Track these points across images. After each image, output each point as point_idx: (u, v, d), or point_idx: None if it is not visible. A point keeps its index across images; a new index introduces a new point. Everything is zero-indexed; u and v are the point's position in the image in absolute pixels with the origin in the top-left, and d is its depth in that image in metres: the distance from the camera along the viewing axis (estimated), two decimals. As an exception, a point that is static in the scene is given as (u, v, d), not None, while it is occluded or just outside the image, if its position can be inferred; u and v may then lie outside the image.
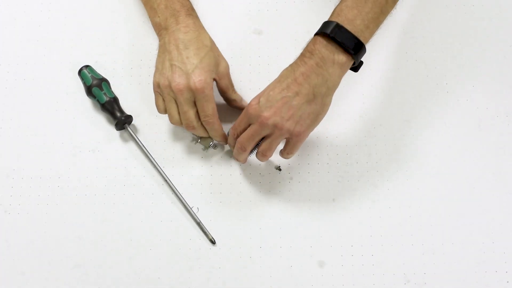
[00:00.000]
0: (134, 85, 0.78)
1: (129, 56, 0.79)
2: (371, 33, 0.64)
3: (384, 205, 0.71)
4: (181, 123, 0.69)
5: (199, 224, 0.70)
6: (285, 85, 0.62)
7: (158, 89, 0.68)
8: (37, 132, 0.76)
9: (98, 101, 0.74)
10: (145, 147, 0.73)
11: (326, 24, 0.63)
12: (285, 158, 0.68)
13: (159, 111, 0.70)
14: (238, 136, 0.67)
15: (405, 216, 0.71)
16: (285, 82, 0.63)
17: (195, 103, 0.67)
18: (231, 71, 0.77)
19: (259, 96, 0.64)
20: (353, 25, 0.62)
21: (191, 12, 0.70)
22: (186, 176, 0.73)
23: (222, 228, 0.71)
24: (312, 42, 0.63)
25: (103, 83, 0.75)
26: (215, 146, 0.74)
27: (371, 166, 0.73)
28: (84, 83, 0.75)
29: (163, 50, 0.68)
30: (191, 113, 0.67)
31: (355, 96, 0.76)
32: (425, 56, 0.78)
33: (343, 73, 0.63)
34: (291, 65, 0.64)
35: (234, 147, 0.69)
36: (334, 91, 0.64)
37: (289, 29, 0.80)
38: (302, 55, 0.63)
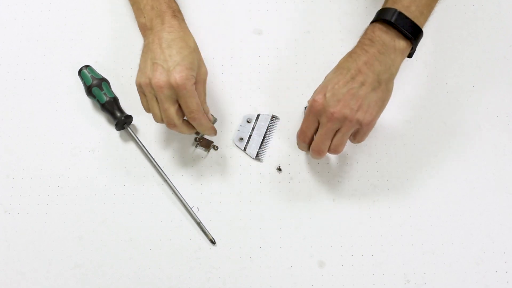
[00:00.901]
0: (134, 85, 0.77)
1: (129, 56, 0.79)
2: (426, 19, 0.65)
3: (384, 205, 0.71)
4: (162, 121, 0.67)
5: (199, 224, 0.70)
6: (349, 77, 0.61)
7: (140, 88, 0.67)
8: (37, 132, 0.76)
9: (98, 101, 0.74)
10: (145, 147, 0.73)
11: (384, 11, 0.63)
12: (336, 152, 0.66)
13: (145, 110, 0.68)
14: (309, 139, 0.65)
15: (405, 216, 0.71)
16: (348, 73, 0.61)
17: (177, 101, 0.65)
18: (231, 71, 0.78)
19: (322, 91, 0.62)
20: (409, 12, 0.62)
21: (177, 14, 0.70)
22: (186, 176, 0.73)
23: (222, 228, 0.71)
24: (370, 29, 0.63)
25: (103, 83, 0.75)
26: (216, 148, 0.74)
27: (371, 166, 0.73)
28: (84, 83, 0.75)
29: (146, 49, 0.67)
30: (172, 111, 0.65)
31: (355, 96, 0.76)
32: (425, 56, 0.78)
33: (403, 58, 0.64)
34: (350, 55, 0.63)
35: (305, 148, 0.68)
36: (395, 76, 0.64)
37: (289, 29, 0.80)
38: (361, 43, 0.63)
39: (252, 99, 0.77)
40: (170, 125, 0.66)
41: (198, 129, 0.68)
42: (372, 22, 0.65)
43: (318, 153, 0.64)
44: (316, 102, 0.62)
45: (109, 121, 0.76)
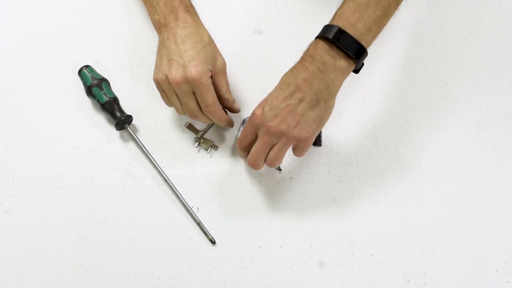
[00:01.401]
0: (134, 85, 0.78)
1: (129, 56, 0.79)
2: (373, 37, 0.63)
3: (384, 205, 0.71)
4: (184, 113, 0.69)
5: (199, 224, 0.71)
6: (287, 93, 0.61)
7: (158, 84, 0.68)
8: (37, 132, 0.76)
9: (98, 101, 0.74)
10: (145, 147, 0.73)
11: (327, 28, 0.61)
12: (272, 165, 0.66)
13: (166, 104, 0.71)
14: (245, 148, 0.66)
15: (405, 216, 0.71)
16: (287, 89, 0.61)
17: (194, 94, 0.67)
18: (231, 71, 0.77)
19: (262, 105, 0.62)
20: (355, 29, 0.60)
21: (190, 8, 0.71)
22: (186, 176, 0.73)
23: (222, 228, 0.71)
24: (313, 46, 0.62)
25: (103, 83, 0.75)
26: (216, 148, 0.74)
27: (371, 166, 0.73)
28: (84, 83, 0.75)
29: (161, 46, 0.68)
30: (192, 104, 0.67)
31: (355, 96, 0.76)
32: (425, 56, 0.78)
33: (344, 77, 0.63)
34: (291, 71, 0.63)
35: (244, 156, 0.69)
36: (336, 94, 0.63)
37: (289, 29, 0.80)
38: (303, 59, 0.62)
39: (252, 99, 0.77)
40: (193, 116, 0.68)
41: (214, 121, 0.70)
42: (317, 37, 0.62)
43: (253, 165, 0.65)
44: (255, 115, 0.63)
45: (109, 121, 0.76)
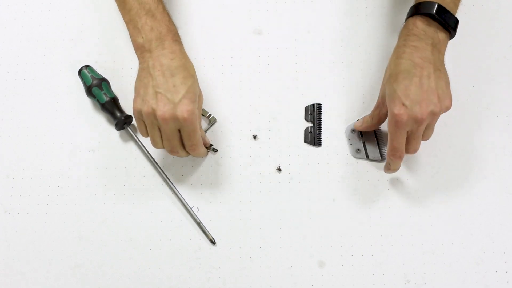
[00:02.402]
0: (134, 85, 0.78)
1: (129, 56, 0.79)
2: (457, 7, 0.68)
3: (384, 205, 0.71)
4: (163, 147, 0.67)
5: (199, 224, 0.71)
6: (417, 79, 0.63)
7: (139, 115, 0.65)
8: (37, 132, 0.76)
9: (98, 101, 0.74)
10: (145, 147, 0.73)
11: (422, 4, 0.65)
12: (428, 139, 0.68)
13: (142, 135, 0.67)
14: (402, 154, 0.66)
15: (405, 216, 0.71)
16: (413, 76, 0.63)
17: (179, 131, 0.65)
18: (231, 71, 0.78)
19: (399, 103, 0.62)
20: (445, 3, 0.65)
21: (177, 37, 0.68)
22: (186, 176, 0.73)
23: (222, 228, 0.71)
24: (411, 24, 0.66)
25: (103, 83, 0.75)
26: (215, 151, 0.74)
27: (371, 166, 0.73)
28: (84, 83, 0.75)
29: (146, 74, 0.65)
30: (176, 141, 0.65)
31: (355, 96, 0.76)
32: (425, 56, 0.78)
33: (445, 47, 0.67)
34: (400, 57, 0.64)
35: (398, 166, 0.68)
36: (444, 62, 0.67)
37: (289, 29, 0.80)
38: (408, 39, 0.65)
39: (252, 99, 0.77)
40: (173, 152, 0.67)
41: (194, 155, 0.70)
42: (409, 17, 0.67)
43: (415, 152, 0.67)
44: (399, 115, 0.62)
45: (109, 121, 0.76)
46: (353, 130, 0.75)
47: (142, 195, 0.72)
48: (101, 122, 0.76)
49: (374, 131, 0.74)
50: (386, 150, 0.73)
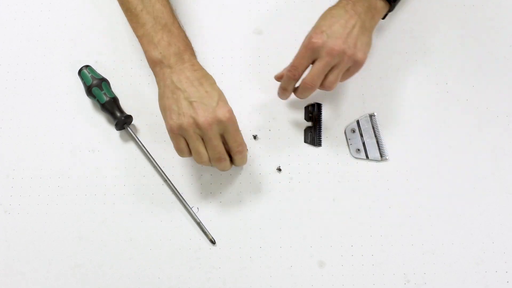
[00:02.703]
0: (134, 85, 0.78)
1: (129, 56, 0.79)
2: None
3: (384, 205, 0.71)
4: (209, 161, 0.65)
5: (199, 224, 0.71)
6: (343, 20, 0.65)
7: (179, 131, 0.63)
8: (37, 132, 0.76)
9: (98, 101, 0.74)
10: (145, 147, 0.73)
11: None
12: (329, 89, 0.67)
13: (183, 154, 0.65)
14: (298, 75, 0.67)
15: (405, 216, 0.71)
16: (341, 17, 0.65)
17: (222, 136, 0.65)
18: (231, 71, 0.78)
19: (319, 31, 0.65)
20: None
21: (193, 52, 0.69)
22: (186, 176, 0.73)
23: (222, 228, 0.71)
24: None
25: (103, 83, 0.75)
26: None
27: (371, 166, 0.73)
28: (84, 83, 0.75)
29: (172, 89, 0.64)
30: (221, 146, 0.64)
31: (355, 96, 0.76)
32: (425, 56, 0.78)
33: (379, 16, 0.70)
34: (337, 5, 0.67)
35: (286, 95, 0.70)
36: (373, 32, 0.69)
37: (289, 29, 0.80)
38: None
39: (252, 99, 0.77)
40: (221, 160, 0.65)
41: (238, 162, 0.67)
42: None
43: (311, 87, 0.66)
44: (315, 38, 0.64)
45: (109, 121, 0.76)
46: (353, 130, 0.75)
47: (142, 195, 0.72)
48: (101, 122, 0.76)
49: (374, 131, 0.74)
50: (386, 150, 0.73)
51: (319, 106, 0.76)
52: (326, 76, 0.66)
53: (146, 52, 0.68)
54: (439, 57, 0.78)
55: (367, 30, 0.67)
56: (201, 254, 0.70)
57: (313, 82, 0.66)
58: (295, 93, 0.70)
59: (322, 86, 0.67)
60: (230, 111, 0.63)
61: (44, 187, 0.73)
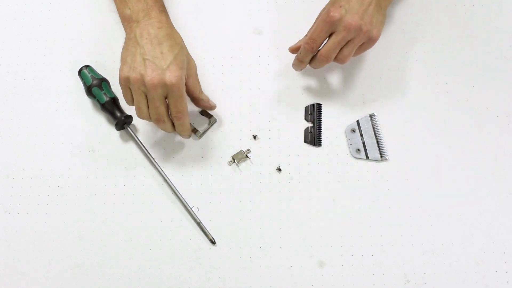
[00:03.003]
0: (134, 85, 0.78)
1: (129, 56, 0.79)
2: None
3: (384, 205, 0.71)
4: (149, 117, 0.67)
5: (199, 224, 0.71)
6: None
7: (126, 82, 0.66)
8: (37, 132, 0.76)
9: (98, 101, 0.74)
10: (145, 147, 0.73)
11: None
12: (343, 62, 0.69)
13: (128, 103, 0.68)
14: (317, 49, 0.68)
15: (405, 216, 0.71)
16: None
17: (166, 99, 0.66)
18: (231, 71, 0.78)
19: (337, 5, 0.66)
20: None
21: (163, 9, 0.70)
22: (186, 176, 0.73)
23: (222, 228, 0.71)
24: None
25: (103, 83, 0.75)
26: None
27: (371, 166, 0.73)
28: (84, 83, 0.75)
29: (133, 43, 0.66)
30: (163, 108, 0.66)
31: (355, 96, 0.76)
32: (425, 56, 0.78)
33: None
34: None
35: (301, 66, 0.71)
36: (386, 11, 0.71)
37: (289, 29, 0.80)
38: None
39: (252, 99, 0.77)
40: (160, 121, 0.67)
41: (178, 129, 0.69)
42: None
43: (326, 59, 0.68)
44: (333, 12, 0.65)
45: (109, 121, 0.76)
46: (353, 130, 0.75)
47: (142, 195, 0.72)
48: (101, 122, 0.76)
49: (374, 131, 0.74)
50: (386, 150, 0.73)
51: (319, 106, 0.76)
52: (341, 49, 0.68)
53: (119, 11, 0.72)
54: (439, 57, 0.78)
55: (381, 9, 0.69)
56: (201, 254, 0.70)
57: (329, 54, 0.68)
58: (310, 64, 0.71)
59: (336, 59, 0.69)
60: (178, 77, 0.64)
61: (44, 187, 0.73)
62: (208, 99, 0.73)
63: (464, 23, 0.80)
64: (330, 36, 0.67)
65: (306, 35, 0.71)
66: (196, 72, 0.71)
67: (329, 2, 0.69)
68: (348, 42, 0.67)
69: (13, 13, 0.83)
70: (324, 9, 0.69)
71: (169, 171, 0.73)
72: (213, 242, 0.70)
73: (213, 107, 0.74)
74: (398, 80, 0.78)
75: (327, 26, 0.66)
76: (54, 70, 0.79)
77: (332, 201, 0.72)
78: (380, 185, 0.72)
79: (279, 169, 0.73)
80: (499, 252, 0.69)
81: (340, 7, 0.66)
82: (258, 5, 0.82)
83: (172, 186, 0.72)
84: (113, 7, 0.82)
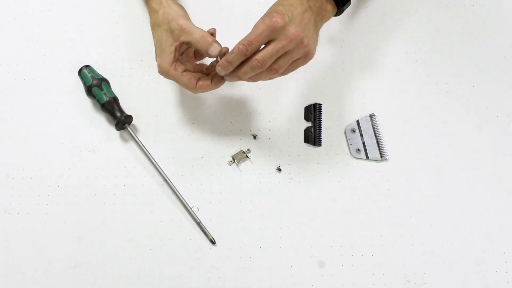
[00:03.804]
0: (134, 85, 0.78)
1: (129, 56, 0.79)
2: None
3: (384, 205, 0.71)
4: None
5: (199, 224, 0.71)
6: (301, 11, 0.63)
7: None
8: (37, 132, 0.76)
9: (98, 101, 0.74)
10: (145, 147, 0.73)
11: None
12: (275, 73, 0.64)
13: None
14: (251, 53, 0.62)
15: (405, 216, 0.71)
16: (299, 8, 0.63)
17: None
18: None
19: (281, 13, 0.61)
20: None
21: None
22: (186, 176, 0.73)
23: (222, 228, 0.71)
24: None
25: (103, 83, 0.75)
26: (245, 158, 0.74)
27: (371, 166, 0.73)
28: (84, 83, 0.75)
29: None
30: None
31: (355, 96, 0.76)
32: (425, 56, 0.78)
33: (326, 20, 0.68)
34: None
35: (235, 63, 0.63)
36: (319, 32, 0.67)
37: (289, 29, 0.80)
38: None
39: (252, 99, 0.77)
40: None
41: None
42: None
43: (261, 65, 0.62)
44: (277, 18, 0.61)
45: (109, 121, 0.76)
46: (353, 130, 0.75)
47: (142, 195, 0.72)
48: (101, 122, 0.76)
49: (374, 131, 0.74)
50: (386, 150, 0.73)
51: (319, 106, 0.76)
52: (276, 59, 0.63)
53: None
54: (439, 57, 0.78)
55: (317, 28, 0.66)
56: (201, 254, 0.70)
57: (265, 61, 0.62)
58: (236, 71, 0.64)
59: (268, 68, 0.63)
60: (160, 66, 0.66)
61: (44, 187, 0.73)
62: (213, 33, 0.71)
63: (464, 23, 0.80)
64: (267, 43, 0.62)
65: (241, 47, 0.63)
66: (183, 16, 0.67)
67: (271, 8, 0.64)
68: (285, 52, 0.62)
69: (13, 13, 0.83)
70: (266, 14, 0.63)
71: (169, 171, 0.73)
72: (213, 242, 0.70)
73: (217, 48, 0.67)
74: (398, 80, 0.78)
75: (268, 31, 0.61)
76: (54, 70, 0.79)
77: (332, 201, 0.72)
78: (380, 185, 0.72)
79: (279, 169, 0.73)
80: (499, 252, 0.69)
81: (284, 14, 0.61)
82: (258, 5, 0.82)
83: (172, 186, 0.72)
84: (113, 7, 0.82)
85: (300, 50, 0.63)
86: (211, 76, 0.68)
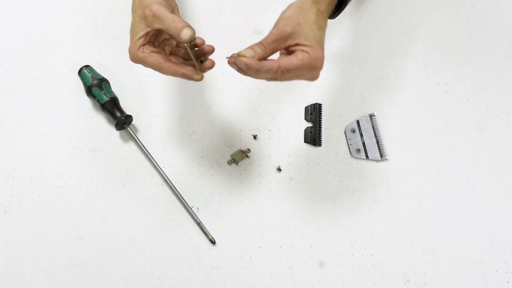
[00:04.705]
0: (134, 85, 0.78)
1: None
2: None
3: (384, 205, 0.71)
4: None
5: (199, 224, 0.71)
6: (323, 38, 0.62)
7: None
8: (37, 132, 0.76)
9: (98, 101, 0.74)
10: (145, 147, 0.73)
11: None
12: (273, 80, 0.60)
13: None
14: (275, 77, 0.59)
15: (405, 216, 0.71)
16: (323, 28, 0.63)
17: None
18: (231, 71, 0.77)
19: (321, 47, 0.61)
20: None
21: None
22: (186, 176, 0.73)
23: (222, 228, 0.71)
24: None
25: (103, 83, 0.75)
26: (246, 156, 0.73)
27: (371, 165, 0.73)
28: (84, 83, 0.75)
29: None
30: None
31: (355, 96, 0.76)
32: (425, 56, 0.78)
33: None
34: (316, 14, 0.63)
35: (261, 73, 0.59)
36: None
37: (289, 29, 0.80)
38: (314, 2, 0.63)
39: (252, 99, 0.77)
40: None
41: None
42: None
43: (279, 74, 0.58)
44: (320, 61, 0.60)
45: (109, 121, 0.76)
46: (353, 130, 0.75)
47: (142, 195, 0.72)
48: (101, 122, 0.76)
49: (374, 131, 0.74)
50: (386, 150, 0.73)
51: (319, 106, 0.76)
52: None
53: None
54: (439, 57, 0.78)
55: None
56: (201, 254, 0.70)
57: (284, 74, 0.58)
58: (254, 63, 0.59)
59: (273, 78, 0.60)
60: (129, 52, 0.62)
61: (44, 187, 0.73)
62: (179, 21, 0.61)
63: (464, 23, 0.80)
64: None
65: (263, 47, 0.60)
66: (154, 9, 0.62)
67: (313, 39, 0.60)
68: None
69: (13, 13, 0.83)
70: (312, 43, 0.60)
71: (169, 171, 0.73)
72: (213, 242, 0.70)
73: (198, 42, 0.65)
74: (398, 80, 0.78)
75: (308, 68, 0.59)
76: (54, 70, 0.79)
77: (332, 201, 0.72)
78: (380, 185, 0.72)
79: (279, 169, 0.73)
80: (499, 252, 0.69)
81: (322, 49, 0.60)
82: (258, 5, 0.82)
83: (172, 186, 0.72)
84: (113, 7, 0.82)
85: (313, 76, 0.61)
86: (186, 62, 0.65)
